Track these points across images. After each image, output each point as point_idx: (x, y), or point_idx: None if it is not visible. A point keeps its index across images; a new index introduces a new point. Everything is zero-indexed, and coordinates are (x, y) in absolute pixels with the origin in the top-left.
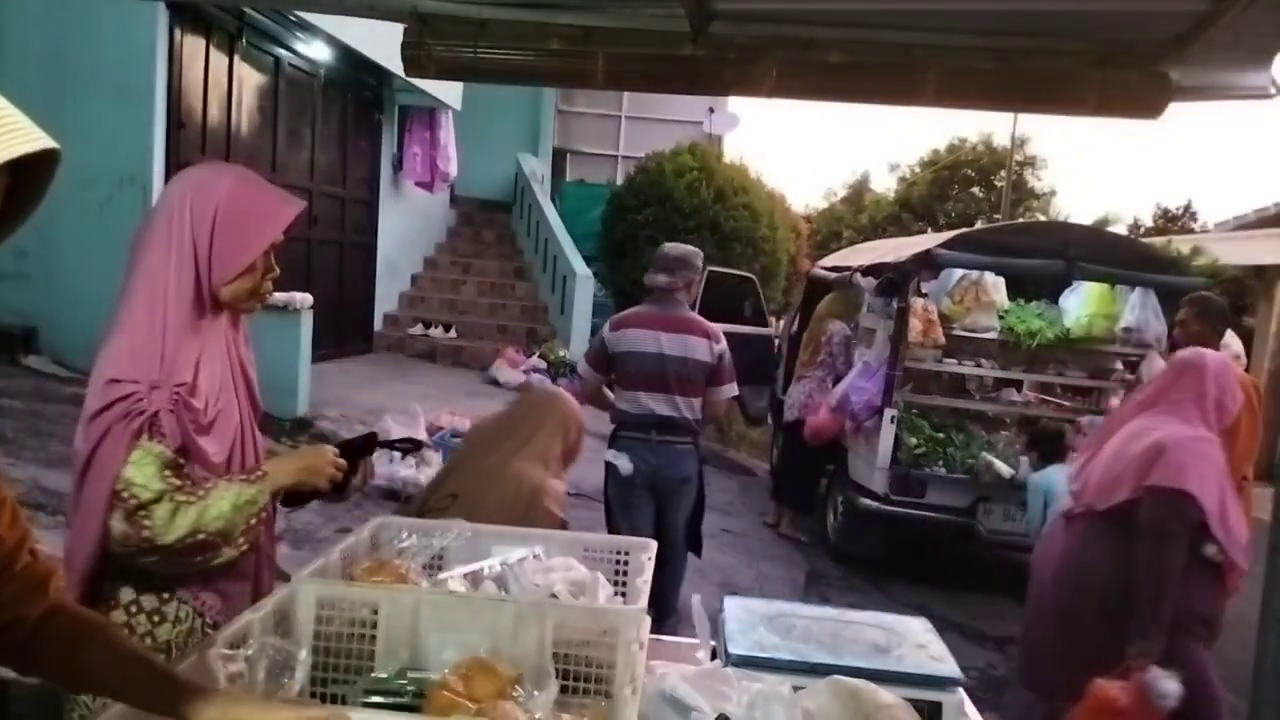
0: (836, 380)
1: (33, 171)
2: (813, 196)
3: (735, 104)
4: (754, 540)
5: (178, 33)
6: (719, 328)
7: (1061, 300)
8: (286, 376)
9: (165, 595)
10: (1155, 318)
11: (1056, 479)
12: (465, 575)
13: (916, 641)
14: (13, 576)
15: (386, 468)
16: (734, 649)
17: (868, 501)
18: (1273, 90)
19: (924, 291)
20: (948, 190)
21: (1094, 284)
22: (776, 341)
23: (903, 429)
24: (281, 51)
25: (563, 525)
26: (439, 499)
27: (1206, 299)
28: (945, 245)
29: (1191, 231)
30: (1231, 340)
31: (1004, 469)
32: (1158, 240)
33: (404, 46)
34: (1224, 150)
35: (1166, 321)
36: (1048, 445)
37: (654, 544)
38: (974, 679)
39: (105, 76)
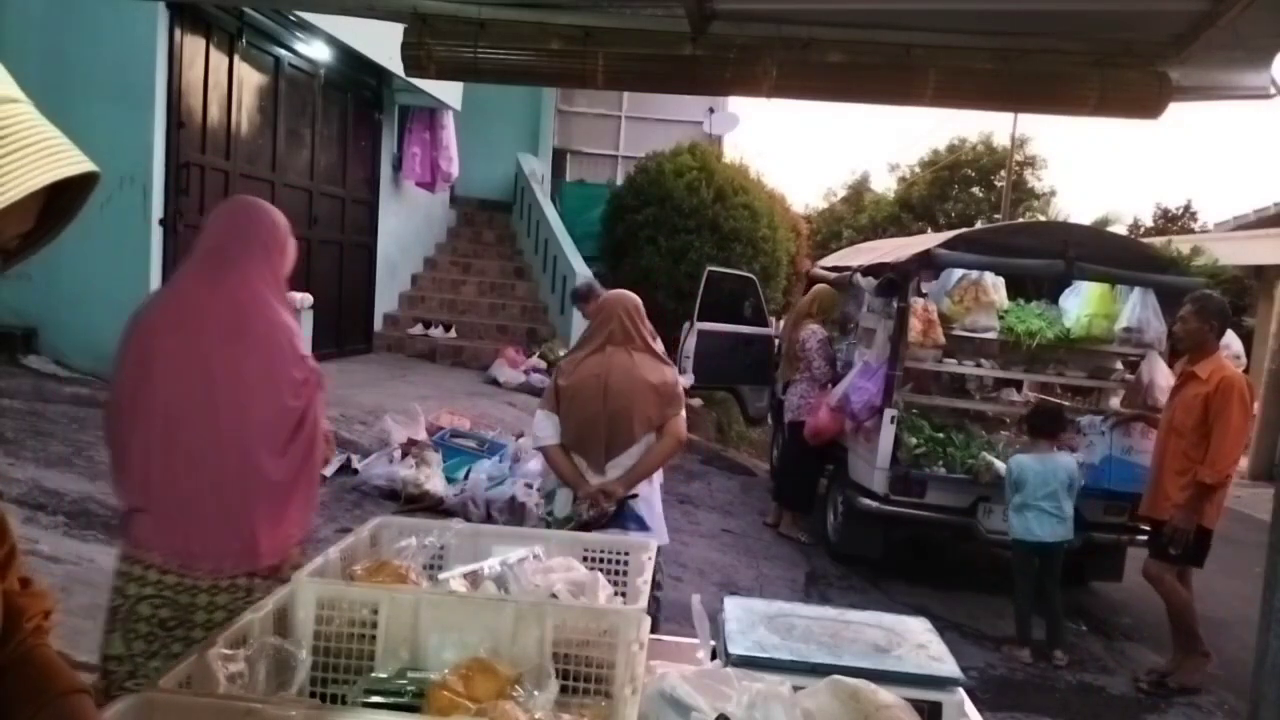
0: (820, 384)
1: (67, 191)
2: (813, 196)
3: (735, 104)
4: (754, 540)
5: (178, 33)
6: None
7: (1061, 300)
8: None
9: None
10: (1155, 318)
11: (1031, 468)
12: (465, 575)
13: (916, 641)
14: None
15: (386, 468)
16: (734, 649)
17: (867, 501)
18: (1273, 90)
19: (924, 291)
20: (948, 190)
21: (1094, 284)
22: (777, 341)
23: (903, 429)
24: (281, 51)
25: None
26: (618, 390)
27: (1206, 296)
28: (945, 245)
29: (1191, 231)
30: (1231, 340)
31: (1004, 469)
32: (1158, 240)
33: (404, 46)
34: (1224, 150)
35: (1166, 321)
36: (1041, 420)
37: (654, 544)
38: (974, 679)
39: (105, 77)
